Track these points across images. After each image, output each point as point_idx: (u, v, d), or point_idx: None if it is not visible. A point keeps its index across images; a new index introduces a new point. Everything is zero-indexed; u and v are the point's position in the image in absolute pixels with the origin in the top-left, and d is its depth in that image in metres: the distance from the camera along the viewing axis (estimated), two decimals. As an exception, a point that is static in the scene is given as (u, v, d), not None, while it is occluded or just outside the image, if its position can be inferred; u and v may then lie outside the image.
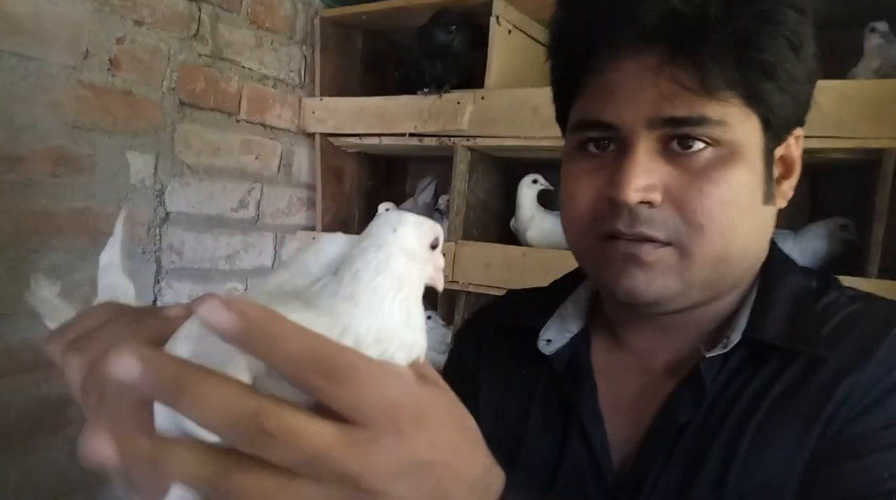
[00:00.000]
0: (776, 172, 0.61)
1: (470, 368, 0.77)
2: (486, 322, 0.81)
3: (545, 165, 1.78)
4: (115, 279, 0.48)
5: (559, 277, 0.80)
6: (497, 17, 1.61)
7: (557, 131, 1.63)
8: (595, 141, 0.61)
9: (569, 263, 1.63)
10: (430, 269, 0.39)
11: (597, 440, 0.64)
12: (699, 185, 0.56)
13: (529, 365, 0.72)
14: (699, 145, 0.56)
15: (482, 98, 1.60)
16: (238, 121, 1.72)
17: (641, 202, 0.56)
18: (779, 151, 0.60)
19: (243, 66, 1.71)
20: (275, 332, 0.32)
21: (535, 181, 1.65)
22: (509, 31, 1.65)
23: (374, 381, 0.33)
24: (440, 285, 0.40)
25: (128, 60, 1.44)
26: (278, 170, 1.86)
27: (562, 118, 0.67)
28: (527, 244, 1.65)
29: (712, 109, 0.55)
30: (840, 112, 1.18)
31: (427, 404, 0.36)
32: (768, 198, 0.59)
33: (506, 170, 1.79)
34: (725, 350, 0.59)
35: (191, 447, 0.32)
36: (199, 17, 1.58)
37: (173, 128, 1.55)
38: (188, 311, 0.36)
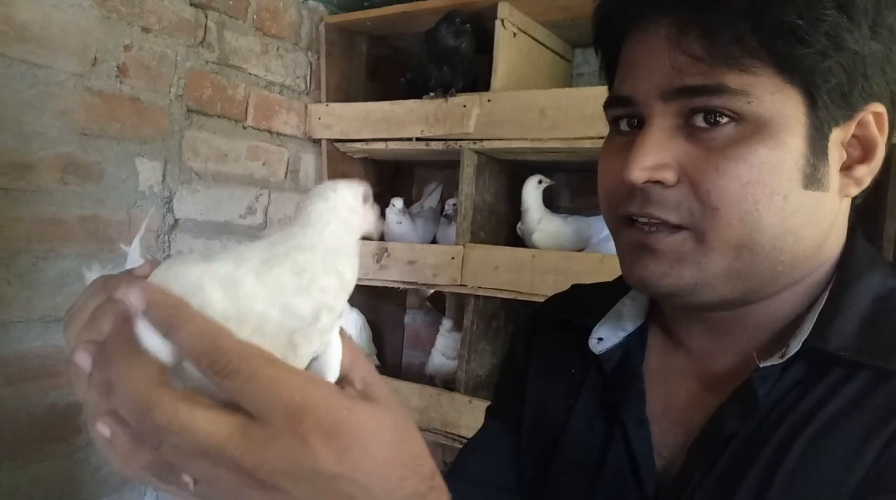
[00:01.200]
0: (844, 154, 0.54)
1: (519, 362, 0.76)
2: (543, 317, 0.79)
3: (552, 168, 1.78)
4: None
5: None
6: (502, 21, 1.61)
7: (564, 133, 1.63)
8: (626, 119, 0.58)
9: (578, 264, 1.63)
10: (367, 220, 0.43)
11: (639, 447, 0.60)
12: (715, 162, 0.51)
13: (579, 363, 0.69)
14: (723, 120, 0.51)
15: (488, 101, 1.60)
16: (245, 127, 1.72)
17: (654, 182, 0.53)
18: (844, 131, 0.53)
19: (250, 73, 1.72)
20: (174, 319, 0.34)
21: (539, 182, 1.64)
22: (514, 35, 1.65)
23: (271, 380, 0.34)
24: (376, 234, 0.44)
25: (135, 67, 1.44)
26: (285, 176, 1.86)
27: None
28: (532, 246, 1.64)
29: (730, 78, 0.50)
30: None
31: (347, 420, 0.35)
32: (812, 182, 0.52)
33: (513, 173, 1.78)
34: (782, 360, 0.54)
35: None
36: (206, 24, 1.59)
37: (181, 135, 1.56)
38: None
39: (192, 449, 0.34)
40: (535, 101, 1.52)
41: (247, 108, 1.72)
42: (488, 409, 0.80)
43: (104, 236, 1.39)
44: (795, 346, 0.54)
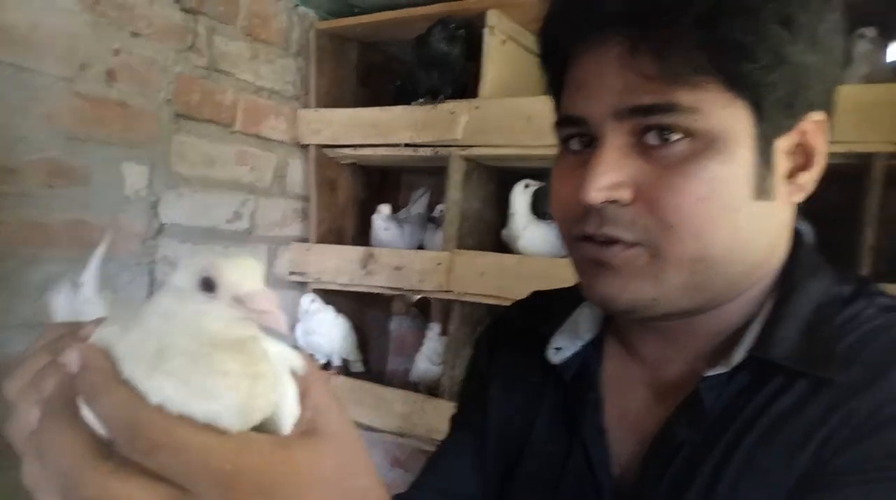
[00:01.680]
0: (789, 162, 0.55)
1: (482, 372, 0.76)
2: (503, 325, 0.79)
3: (539, 175, 1.79)
4: (84, 300, 0.47)
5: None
6: (491, 28, 1.62)
7: (551, 140, 1.64)
8: (579, 138, 0.58)
9: (563, 271, 1.63)
10: (222, 309, 0.33)
11: (596, 455, 0.62)
12: (669, 180, 0.52)
13: (539, 372, 0.69)
14: (675, 137, 0.52)
15: (476, 108, 1.61)
16: (233, 132, 1.72)
17: (610, 202, 0.53)
18: (788, 140, 0.54)
19: (239, 78, 1.72)
20: (97, 387, 0.32)
21: (526, 186, 1.65)
22: (503, 42, 1.66)
23: (193, 452, 0.32)
24: (276, 326, 0.34)
25: (124, 72, 1.44)
26: (272, 181, 1.86)
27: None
28: (517, 252, 1.65)
29: (681, 96, 0.50)
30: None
31: (283, 475, 0.34)
32: (762, 192, 0.53)
33: (500, 179, 1.79)
34: (726, 370, 0.56)
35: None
36: (196, 29, 1.59)
37: (169, 139, 1.56)
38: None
39: None
40: (523, 108, 1.53)
41: (235, 113, 1.72)
42: (453, 418, 0.80)
43: (89, 241, 1.39)
44: (740, 355, 0.55)
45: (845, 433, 0.50)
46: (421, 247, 1.94)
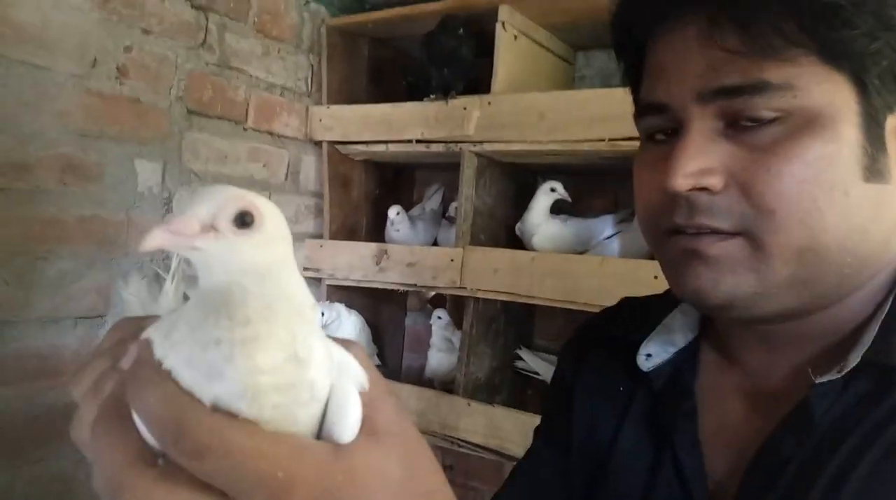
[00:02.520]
0: None
1: (566, 381, 0.72)
2: (591, 333, 0.75)
3: (552, 170, 1.77)
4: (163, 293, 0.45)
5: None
6: (503, 23, 1.61)
7: (564, 135, 1.62)
8: (662, 129, 0.54)
9: (577, 267, 1.62)
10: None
11: (690, 470, 0.56)
12: (766, 163, 0.47)
13: (628, 381, 0.65)
14: (769, 117, 0.47)
15: (489, 104, 1.59)
16: (245, 129, 1.72)
17: (699, 190, 0.49)
18: None
19: (250, 75, 1.72)
20: (140, 381, 0.30)
21: (552, 190, 1.64)
22: (515, 37, 1.65)
23: (251, 455, 0.29)
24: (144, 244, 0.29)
25: (136, 69, 1.45)
26: (286, 178, 1.86)
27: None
28: (531, 249, 1.64)
29: (773, 72, 0.46)
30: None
31: (344, 485, 0.31)
32: (874, 174, 0.48)
33: (513, 175, 1.78)
34: (839, 375, 0.49)
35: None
36: (207, 26, 1.59)
37: (181, 136, 1.56)
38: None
39: None
40: (535, 103, 1.51)
41: (247, 109, 1.72)
42: (536, 430, 0.77)
43: (103, 237, 1.39)
44: (854, 359, 0.49)
45: None
46: (435, 243, 1.93)
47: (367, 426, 0.33)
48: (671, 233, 0.52)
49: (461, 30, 1.65)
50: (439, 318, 1.85)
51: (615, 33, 0.58)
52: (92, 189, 1.38)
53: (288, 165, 1.86)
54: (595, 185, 1.80)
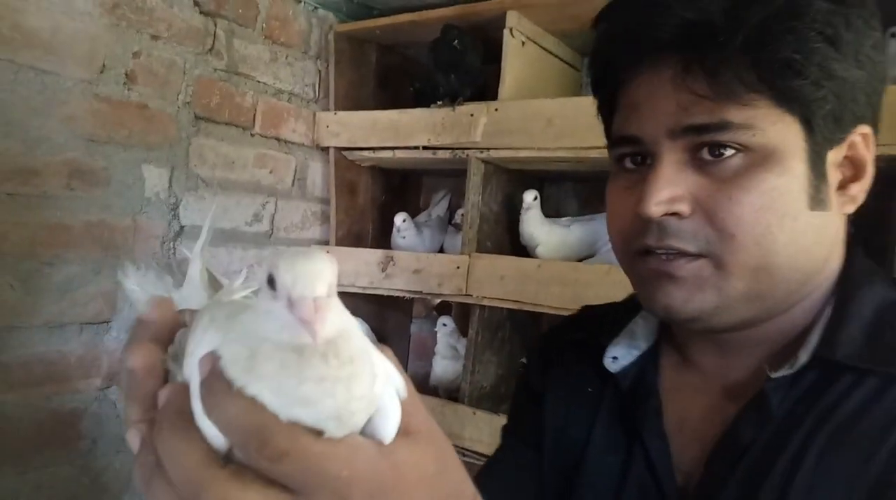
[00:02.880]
0: (839, 174, 0.57)
1: (535, 387, 0.77)
2: (556, 339, 0.80)
3: (559, 177, 1.77)
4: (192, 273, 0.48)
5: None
6: (511, 30, 1.60)
7: (571, 142, 1.62)
8: (631, 157, 0.61)
9: (584, 275, 1.61)
10: (282, 317, 0.33)
11: (659, 461, 0.62)
12: (728, 192, 0.54)
13: (596, 383, 0.71)
14: (729, 152, 0.54)
15: (496, 110, 1.59)
16: (253, 135, 1.72)
17: (669, 215, 0.55)
18: (838, 153, 0.56)
19: (258, 81, 1.72)
20: (219, 395, 0.33)
21: (535, 198, 1.65)
22: (523, 44, 1.64)
23: (314, 459, 0.33)
24: (306, 338, 0.33)
25: (144, 74, 1.45)
26: (293, 184, 1.86)
27: (609, 136, 0.67)
28: (535, 256, 1.63)
29: (734, 114, 0.53)
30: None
31: (389, 477, 0.35)
32: (817, 203, 0.55)
33: (520, 182, 1.77)
34: (792, 371, 0.56)
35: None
36: (215, 31, 1.60)
37: (188, 141, 1.56)
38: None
39: None
40: (542, 109, 1.51)
41: (255, 115, 1.72)
42: (504, 428, 0.81)
43: (110, 243, 1.40)
44: (805, 356, 0.56)
45: None
46: (441, 250, 1.92)
47: (403, 426, 0.37)
48: (642, 253, 0.59)
49: (468, 36, 1.65)
50: (444, 325, 1.85)
51: (594, 71, 0.65)
52: (99, 194, 1.38)
53: (295, 171, 1.86)
54: (603, 191, 1.78)
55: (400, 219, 1.86)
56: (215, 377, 0.33)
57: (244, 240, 1.73)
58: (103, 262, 1.39)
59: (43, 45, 1.27)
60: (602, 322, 0.73)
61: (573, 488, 0.68)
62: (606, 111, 0.65)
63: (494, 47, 1.63)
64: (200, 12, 1.56)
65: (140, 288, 0.46)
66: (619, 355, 0.69)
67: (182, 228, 1.56)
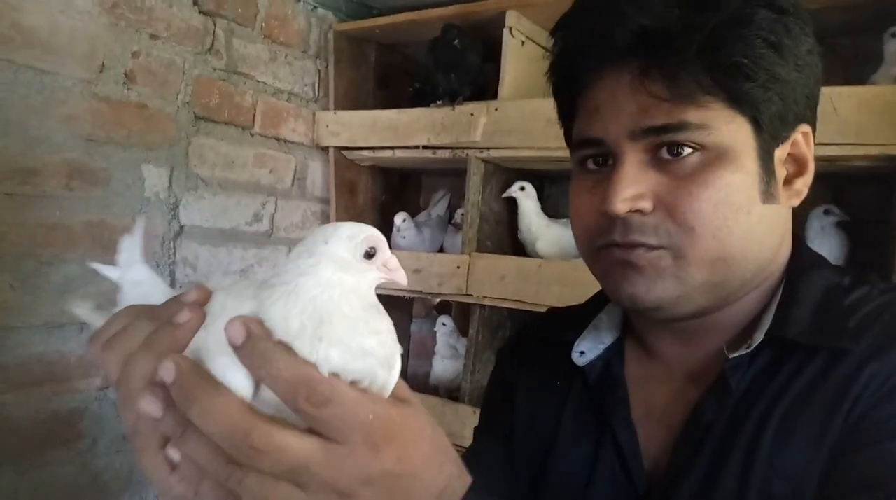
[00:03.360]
0: (784, 170, 0.62)
1: (507, 382, 0.81)
2: (526, 338, 0.85)
3: (559, 177, 1.77)
4: (140, 276, 0.53)
5: (599, 290, 0.79)
6: (510, 29, 1.60)
7: (572, 140, 1.61)
8: (593, 158, 0.64)
9: (584, 274, 1.61)
10: (372, 275, 0.43)
11: (628, 448, 0.66)
12: (687, 188, 0.57)
13: (564, 377, 0.74)
14: (686, 151, 0.58)
15: (495, 109, 1.59)
16: (252, 134, 1.72)
17: (633, 212, 0.59)
18: (783, 150, 0.61)
19: (258, 80, 1.72)
20: (267, 353, 0.39)
21: (522, 188, 1.65)
22: (522, 43, 1.64)
23: (350, 405, 0.39)
24: (401, 281, 0.46)
25: (143, 74, 1.45)
26: (292, 183, 1.86)
27: (569, 141, 0.70)
28: (536, 255, 1.63)
29: (691, 115, 0.57)
30: (860, 119, 1.16)
31: (399, 424, 0.42)
32: (768, 197, 0.60)
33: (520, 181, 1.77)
34: (749, 350, 0.60)
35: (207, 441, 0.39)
36: (214, 31, 1.60)
37: (188, 141, 1.56)
38: (195, 313, 0.43)
39: (280, 470, 0.38)
40: (542, 109, 1.51)
41: (254, 115, 1.72)
42: (477, 429, 0.84)
43: (109, 242, 1.39)
44: (759, 337, 0.60)
45: (873, 394, 0.55)
46: (441, 250, 1.92)
47: (400, 394, 0.44)
48: (605, 247, 0.62)
49: (468, 35, 1.64)
50: (444, 324, 1.84)
51: (555, 76, 0.68)
52: (98, 194, 1.38)
53: (294, 171, 1.86)
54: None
55: (400, 219, 1.86)
56: (260, 338, 0.39)
57: (244, 240, 1.73)
58: (103, 262, 1.38)
59: (42, 45, 1.27)
60: (569, 320, 0.77)
61: (544, 477, 0.71)
62: (567, 116, 0.68)
63: (494, 47, 1.63)
64: (200, 12, 1.56)
65: (89, 314, 0.51)
66: (586, 350, 0.72)
67: (182, 227, 1.56)
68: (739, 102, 0.57)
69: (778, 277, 0.65)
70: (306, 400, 0.38)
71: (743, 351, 0.60)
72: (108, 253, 1.42)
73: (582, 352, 0.72)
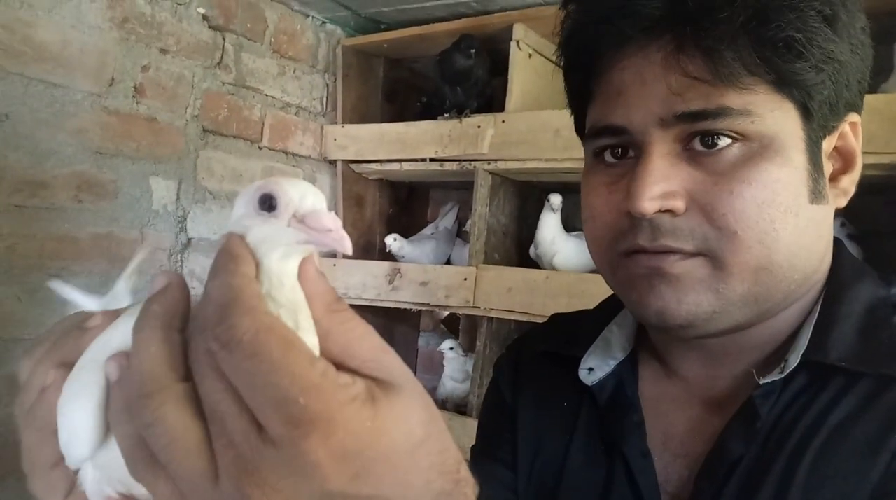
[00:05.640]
0: (830, 165, 0.53)
1: (506, 400, 0.71)
2: (526, 350, 0.74)
3: (566, 189, 1.76)
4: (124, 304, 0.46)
5: (606, 297, 0.70)
6: (518, 42, 1.61)
7: (579, 153, 1.60)
8: (611, 149, 0.55)
9: (593, 286, 1.60)
10: (287, 234, 0.31)
11: (644, 481, 0.57)
12: (728, 185, 0.49)
13: (571, 396, 0.65)
14: (725, 141, 0.49)
15: (503, 122, 1.59)
16: (260, 148, 1.73)
17: (662, 212, 0.50)
18: (830, 142, 0.53)
19: (266, 94, 1.73)
20: (223, 263, 0.31)
21: (548, 201, 1.62)
22: (529, 56, 1.64)
23: (278, 369, 0.29)
24: (335, 246, 0.32)
25: (152, 88, 1.46)
26: (300, 197, 1.86)
27: (580, 130, 0.61)
28: (553, 269, 1.62)
29: (732, 99, 0.48)
30: (871, 127, 1.14)
31: (370, 434, 0.30)
32: (817, 196, 0.51)
33: (527, 193, 1.77)
34: (782, 375, 0.52)
35: None
36: (223, 45, 1.61)
37: (196, 154, 1.57)
38: (107, 317, 0.37)
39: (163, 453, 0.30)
40: (550, 121, 1.51)
41: (262, 128, 1.73)
42: (474, 451, 0.74)
43: (117, 255, 1.40)
44: (794, 360, 0.52)
45: None
46: (449, 262, 1.92)
47: (382, 373, 0.32)
48: (630, 253, 0.53)
49: (475, 49, 1.65)
50: (451, 349, 1.81)
51: (568, 54, 0.58)
52: (107, 207, 1.39)
53: (302, 184, 1.86)
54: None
55: (391, 240, 1.82)
56: (238, 248, 0.32)
57: (251, 253, 1.73)
58: (110, 274, 1.39)
59: (53, 59, 1.28)
60: (574, 331, 0.68)
61: None
62: (578, 100, 0.59)
63: (501, 60, 1.63)
64: (209, 27, 1.57)
65: (74, 297, 0.46)
66: (595, 366, 0.63)
67: (189, 240, 1.56)
68: (788, 84, 0.48)
69: (818, 289, 0.56)
70: (215, 328, 0.29)
71: (776, 377, 0.52)
72: (115, 265, 1.41)
73: (591, 369, 0.63)
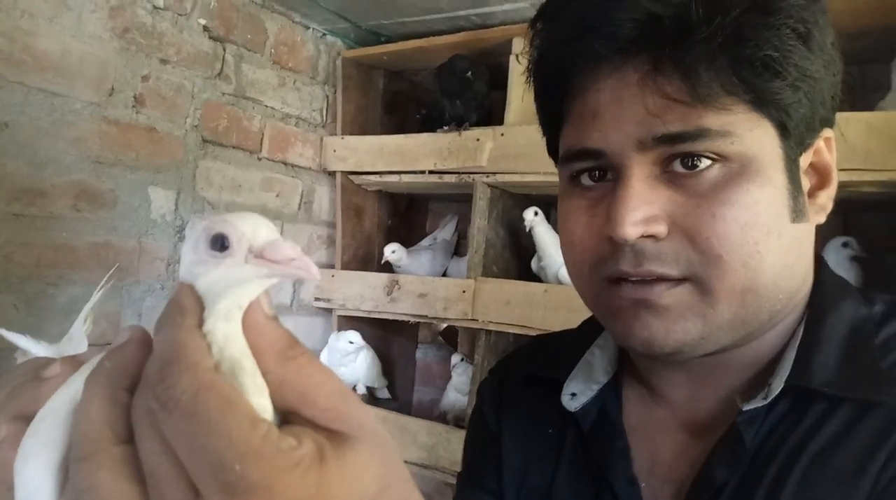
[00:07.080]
0: (807, 182, 0.53)
1: (490, 427, 0.70)
2: (508, 374, 0.73)
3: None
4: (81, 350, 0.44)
5: (588, 317, 0.68)
6: (517, 56, 1.61)
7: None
8: (588, 172, 0.54)
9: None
10: (237, 271, 0.29)
11: None
12: (710, 208, 0.48)
13: (555, 421, 0.64)
14: (705, 163, 0.49)
15: (501, 135, 1.59)
16: (259, 159, 1.73)
17: (645, 237, 0.49)
18: (806, 159, 0.52)
19: (266, 105, 1.73)
20: (169, 317, 0.29)
21: (536, 213, 1.61)
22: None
23: (214, 431, 0.26)
24: (301, 274, 0.29)
25: (152, 98, 1.46)
26: (299, 208, 1.86)
27: (553, 152, 0.60)
28: (557, 283, 1.61)
29: (711, 120, 0.48)
30: (869, 145, 1.15)
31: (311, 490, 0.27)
32: (798, 214, 0.51)
33: (526, 206, 1.76)
34: (765, 402, 0.52)
35: None
36: (224, 56, 1.61)
37: (195, 164, 1.57)
38: (66, 367, 0.34)
39: None
40: (549, 134, 1.51)
41: (262, 139, 1.73)
42: (461, 477, 0.74)
43: (114, 264, 1.39)
44: (778, 385, 0.52)
45: None
46: (446, 274, 1.91)
47: (338, 420, 0.29)
48: (614, 281, 0.52)
49: (475, 62, 1.65)
50: (462, 360, 1.80)
51: (539, 74, 0.57)
52: (105, 216, 1.39)
53: (301, 195, 1.86)
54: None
55: (389, 251, 1.80)
56: (187, 303, 0.29)
57: (249, 263, 1.72)
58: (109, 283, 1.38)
59: (53, 68, 1.28)
60: (556, 354, 0.67)
61: None
62: (552, 124, 0.58)
63: (501, 73, 1.64)
64: (210, 37, 1.57)
65: (24, 344, 0.43)
66: (578, 391, 0.62)
67: (187, 250, 1.56)
68: (766, 103, 0.48)
69: (802, 309, 0.56)
70: (156, 385, 0.27)
71: (759, 403, 0.52)
72: (113, 275, 1.40)
73: (573, 394, 0.62)
